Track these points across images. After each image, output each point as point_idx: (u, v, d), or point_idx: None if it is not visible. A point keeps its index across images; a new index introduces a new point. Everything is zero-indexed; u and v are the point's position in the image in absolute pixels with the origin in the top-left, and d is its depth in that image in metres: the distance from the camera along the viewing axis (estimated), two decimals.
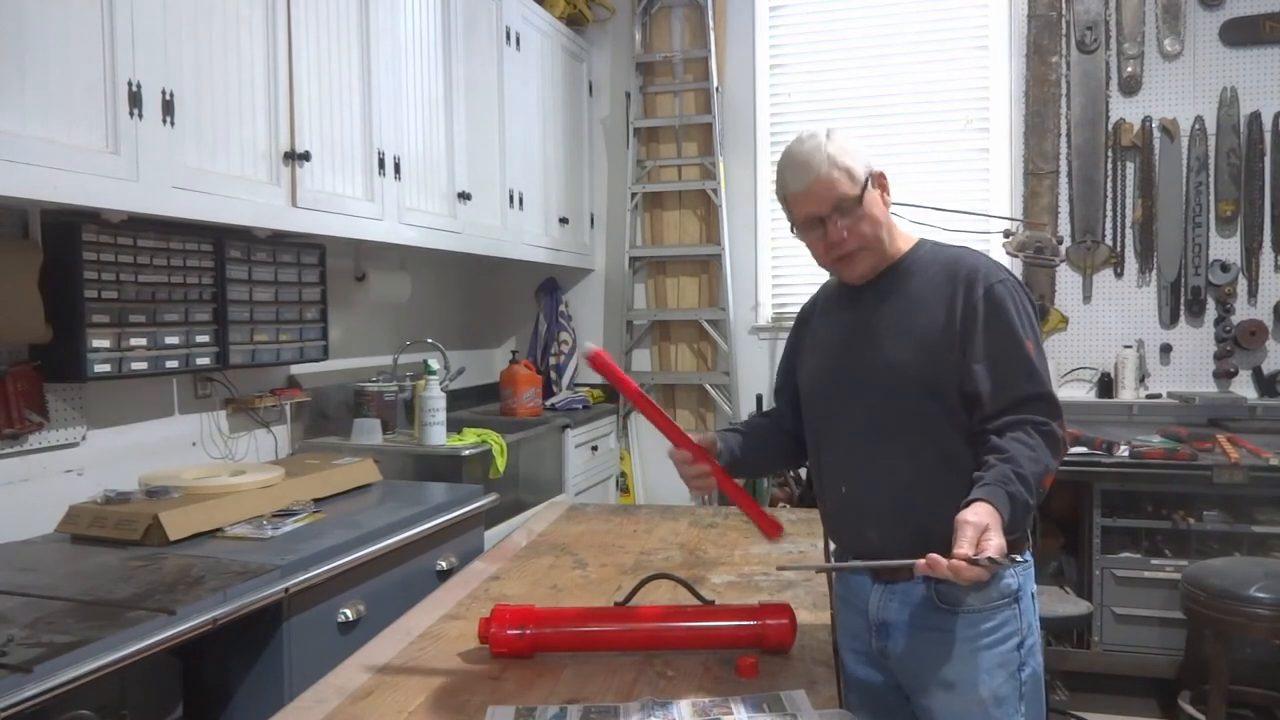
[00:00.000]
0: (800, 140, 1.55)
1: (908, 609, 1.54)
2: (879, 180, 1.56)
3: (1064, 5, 3.83)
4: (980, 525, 1.28)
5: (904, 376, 1.50)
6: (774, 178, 1.61)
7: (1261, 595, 2.72)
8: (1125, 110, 3.80)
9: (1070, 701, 3.22)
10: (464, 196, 3.17)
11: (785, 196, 1.57)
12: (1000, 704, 1.51)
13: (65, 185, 1.74)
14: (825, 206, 1.51)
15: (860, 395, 1.55)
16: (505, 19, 3.49)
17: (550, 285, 4.35)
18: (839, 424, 1.60)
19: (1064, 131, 3.87)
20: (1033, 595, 1.58)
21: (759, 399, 4.12)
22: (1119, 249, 3.83)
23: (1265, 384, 3.68)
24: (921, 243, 1.62)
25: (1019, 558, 1.44)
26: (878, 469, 1.54)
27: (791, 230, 1.61)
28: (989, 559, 1.25)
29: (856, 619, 1.62)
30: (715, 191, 4.17)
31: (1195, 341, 3.77)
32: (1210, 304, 3.74)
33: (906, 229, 1.66)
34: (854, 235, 1.53)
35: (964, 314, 1.48)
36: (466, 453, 2.86)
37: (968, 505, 1.33)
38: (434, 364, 3.00)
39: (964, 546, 1.26)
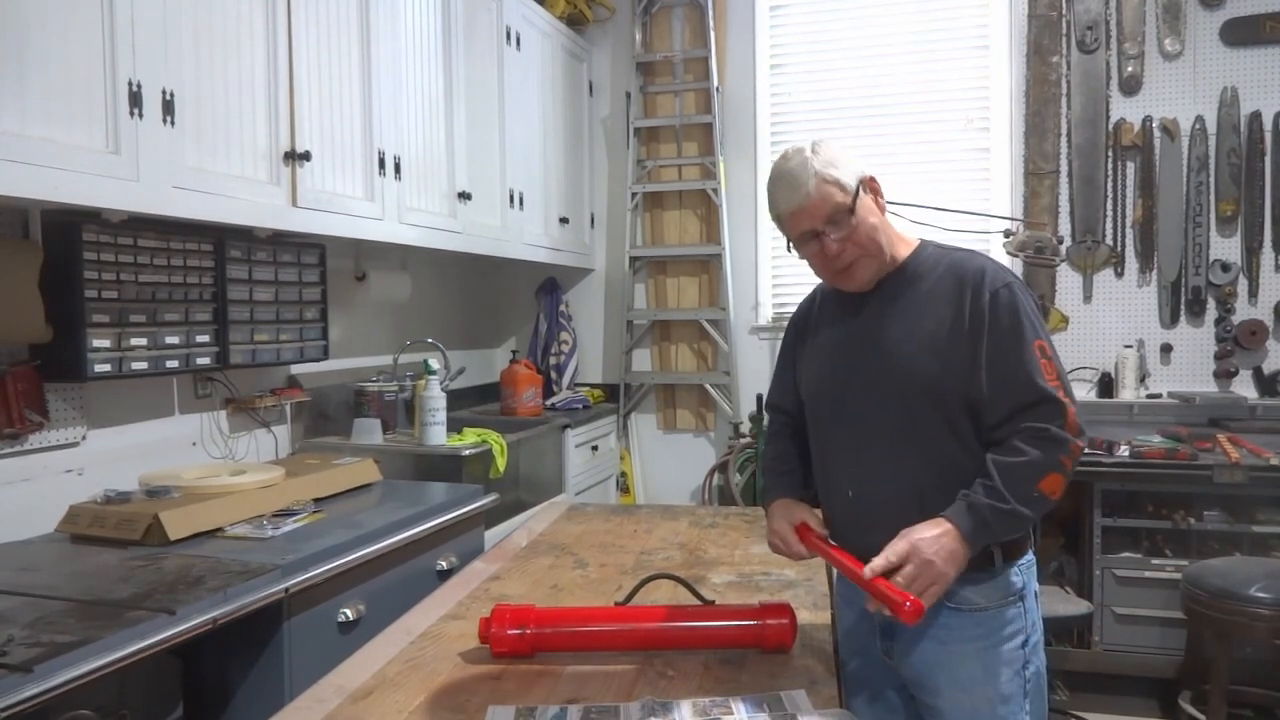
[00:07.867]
0: (786, 158, 1.54)
1: None
2: (870, 185, 1.55)
3: (1064, 5, 3.83)
4: (906, 547, 1.41)
5: (912, 381, 1.49)
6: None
7: (1262, 595, 2.72)
8: (1125, 110, 3.80)
9: (1070, 701, 3.22)
10: (464, 196, 3.17)
11: (778, 215, 1.56)
12: (1006, 702, 1.51)
13: (65, 185, 1.74)
14: (819, 220, 1.51)
15: (868, 400, 1.54)
16: (505, 19, 3.49)
17: (550, 285, 4.35)
18: (845, 429, 1.59)
19: (1064, 131, 3.86)
20: (1036, 594, 1.58)
21: (759, 399, 4.11)
22: (1119, 249, 3.83)
23: (1266, 384, 3.68)
24: (924, 245, 1.61)
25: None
26: (885, 473, 1.53)
27: (789, 249, 1.60)
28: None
29: (860, 620, 1.62)
30: (715, 191, 4.17)
31: (1196, 341, 3.76)
32: (1211, 304, 3.74)
33: (905, 230, 1.65)
34: (852, 245, 1.52)
35: (972, 318, 1.48)
36: (467, 453, 2.86)
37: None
38: (434, 364, 3.00)
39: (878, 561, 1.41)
